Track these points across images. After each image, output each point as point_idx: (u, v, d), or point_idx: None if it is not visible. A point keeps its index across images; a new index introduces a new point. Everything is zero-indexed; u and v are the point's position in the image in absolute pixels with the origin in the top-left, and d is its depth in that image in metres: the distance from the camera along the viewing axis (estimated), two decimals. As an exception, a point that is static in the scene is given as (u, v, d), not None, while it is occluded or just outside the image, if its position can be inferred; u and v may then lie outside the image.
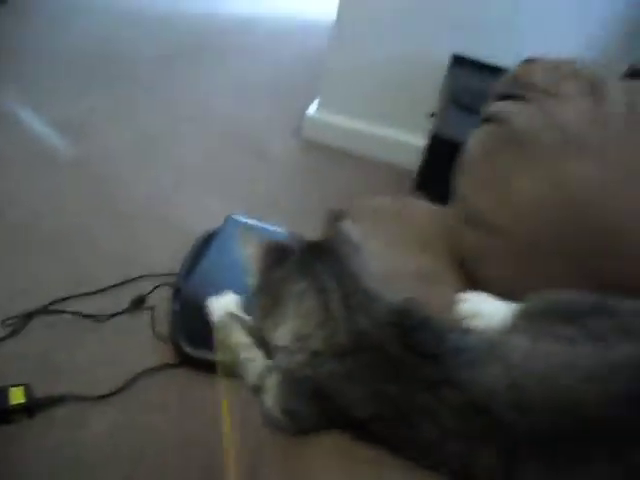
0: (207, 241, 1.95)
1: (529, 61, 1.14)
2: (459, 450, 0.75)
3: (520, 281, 0.95)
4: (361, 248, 0.87)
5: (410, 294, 0.82)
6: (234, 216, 2.01)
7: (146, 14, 3.57)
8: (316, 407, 0.82)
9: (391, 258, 1.04)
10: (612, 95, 1.02)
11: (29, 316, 1.72)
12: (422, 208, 1.20)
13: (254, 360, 0.91)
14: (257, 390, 0.88)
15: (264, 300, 0.90)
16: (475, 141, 1.06)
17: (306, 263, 0.86)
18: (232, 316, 1.01)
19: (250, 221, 2.01)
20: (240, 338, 0.96)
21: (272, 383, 0.85)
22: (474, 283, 0.99)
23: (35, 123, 2.48)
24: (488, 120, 1.06)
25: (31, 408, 1.51)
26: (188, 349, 1.69)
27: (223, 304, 1.05)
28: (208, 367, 1.66)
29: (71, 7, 3.49)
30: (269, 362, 0.89)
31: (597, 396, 0.73)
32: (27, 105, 2.56)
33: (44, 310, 1.74)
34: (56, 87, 2.74)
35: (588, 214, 0.93)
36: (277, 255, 0.89)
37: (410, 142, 2.44)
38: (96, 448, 1.49)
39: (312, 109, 2.67)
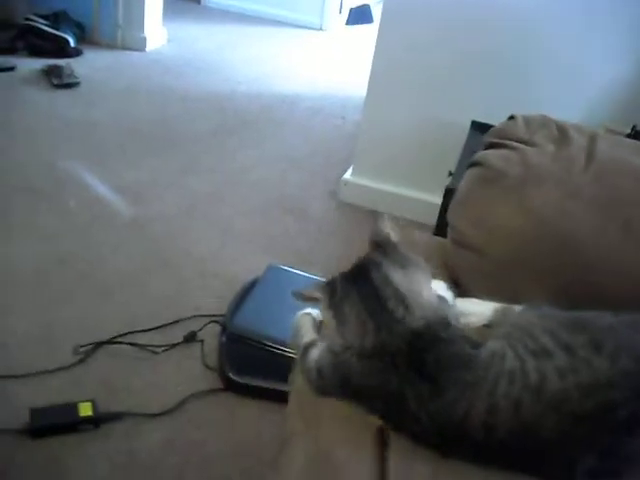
0: (251, 286, 2.21)
1: (511, 117, 1.40)
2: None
3: (494, 294, 1.17)
4: (388, 274, 1.04)
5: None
6: (274, 264, 2.28)
7: (198, 94, 3.97)
8: (338, 380, 1.05)
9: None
10: (574, 140, 1.27)
11: (96, 346, 1.98)
12: (427, 237, 1.45)
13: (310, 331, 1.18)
14: (308, 347, 1.12)
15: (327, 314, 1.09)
16: (463, 181, 1.32)
17: (347, 290, 1.05)
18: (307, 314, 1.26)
19: (289, 269, 2.27)
20: (307, 323, 1.22)
21: (319, 348, 1.10)
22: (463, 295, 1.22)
23: (100, 187, 2.81)
24: (473, 165, 1.31)
25: (96, 420, 1.75)
26: (233, 376, 1.92)
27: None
28: (250, 392, 1.91)
29: (133, 88, 3.91)
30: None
31: (559, 423, 0.89)
32: (93, 172, 2.90)
33: (109, 342, 2.01)
34: (118, 157, 3.09)
35: (549, 233, 1.17)
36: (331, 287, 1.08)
37: (435, 201, 2.69)
38: (149, 457, 1.72)
39: (347, 174, 2.96)
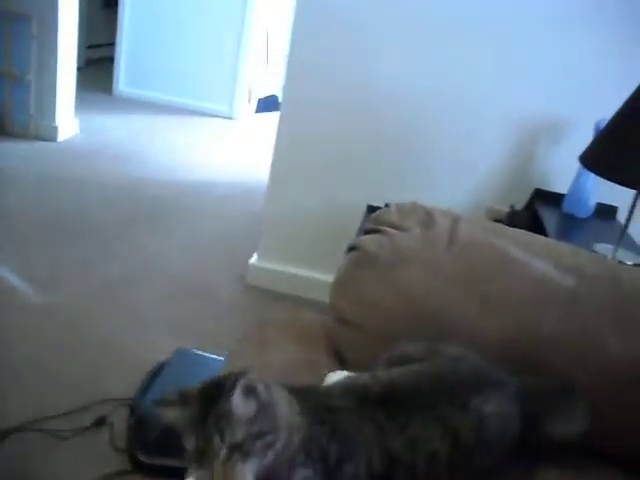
0: (159, 369, 2.28)
1: (387, 205, 1.57)
2: None
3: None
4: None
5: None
6: (182, 348, 2.37)
7: (111, 183, 4.08)
8: None
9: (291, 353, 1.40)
10: (439, 223, 1.45)
11: (4, 434, 2.01)
12: (310, 316, 1.59)
13: None
14: None
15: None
16: (342, 264, 1.48)
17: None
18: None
19: (196, 351, 2.36)
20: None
21: None
22: (344, 365, 1.36)
23: (9, 275, 2.85)
24: (352, 249, 1.48)
25: (4, 509, 1.77)
26: (142, 457, 1.97)
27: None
28: (159, 472, 1.96)
29: (46, 177, 3.99)
30: None
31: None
32: (4, 260, 2.94)
33: (18, 428, 2.03)
34: (30, 245, 3.15)
35: (416, 309, 1.32)
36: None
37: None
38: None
39: (253, 259, 3.10)
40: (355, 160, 2.88)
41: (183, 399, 1.02)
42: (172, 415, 1.03)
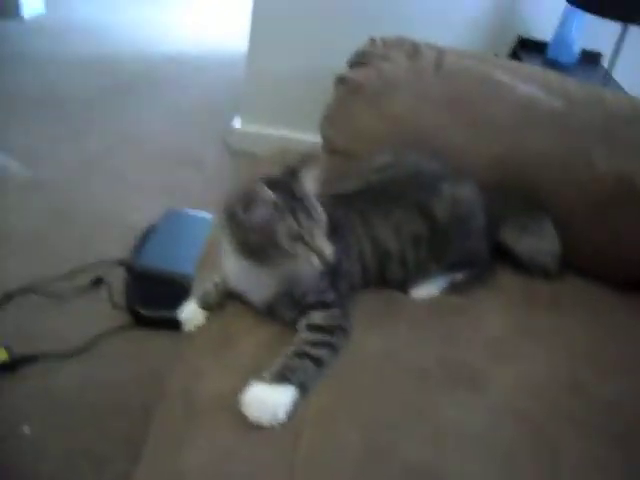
0: (151, 229, 2.31)
1: (371, 39, 1.55)
2: None
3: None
4: None
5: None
6: (171, 208, 2.39)
7: (84, 60, 3.95)
8: None
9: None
10: (425, 54, 1.44)
11: (5, 297, 2.05)
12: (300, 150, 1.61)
13: None
14: None
15: None
16: (332, 98, 1.47)
17: None
18: None
19: (185, 210, 2.39)
20: None
21: None
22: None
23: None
24: (339, 83, 1.47)
25: (13, 365, 1.83)
26: (141, 310, 2.03)
27: None
28: (158, 323, 2.02)
29: (16, 57, 3.87)
30: None
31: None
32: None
33: (19, 292, 2.07)
34: (8, 123, 3.08)
35: (404, 131, 1.34)
36: None
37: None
38: (66, 395, 1.81)
39: (236, 122, 3.07)
40: (336, 15, 2.80)
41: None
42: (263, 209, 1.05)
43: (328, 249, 1.04)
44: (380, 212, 1.19)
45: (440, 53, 1.46)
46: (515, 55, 2.76)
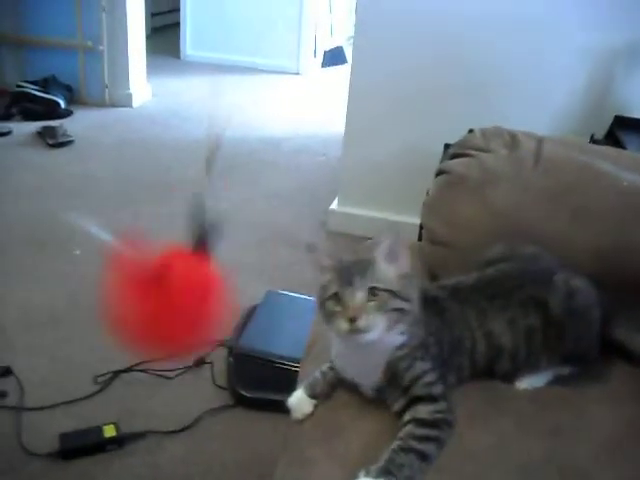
0: (252, 310, 2.38)
1: (471, 131, 1.60)
2: None
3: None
4: None
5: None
6: (272, 290, 2.46)
7: (187, 143, 4.18)
8: None
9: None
10: (524, 144, 1.47)
11: (114, 375, 2.14)
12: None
13: None
14: None
15: None
16: (432, 188, 1.52)
17: None
18: None
19: (286, 293, 2.45)
20: None
21: None
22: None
23: (103, 234, 2.97)
24: (440, 173, 1.51)
25: (120, 440, 1.90)
26: (243, 391, 2.08)
27: None
28: (260, 405, 2.06)
29: (125, 141, 4.14)
30: None
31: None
32: (95, 221, 3.06)
33: (124, 370, 2.17)
34: (118, 206, 3.28)
35: (505, 224, 1.36)
36: None
37: (417, 222, 2.88)
38: (171, 469, 1.87)
39: (334, 205, 3.16)
40: (430, 99, 2.88)
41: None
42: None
43: (368, 322, 1.04)
44: (495, 307, 1.20)
45: (539, 142, 1.49)
46: (612, 134, 2.74)
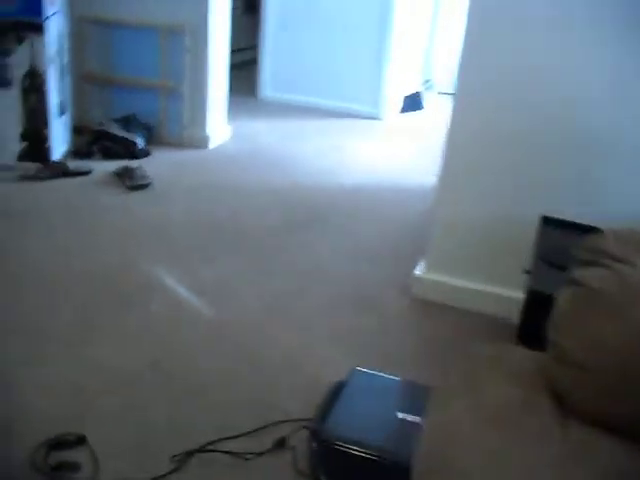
0: (338, 389, 2.24)
1: (603, 232, 1.45)
2: None
3: (613, 411, 1.21)
4: None
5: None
6: (359, 369, 2.33)
7: (265, 189, 4.13)
8: None
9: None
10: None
11: (189, 454, 2.04)
12: (521, 352, 1.49)
13: None
14: None
15: None
16: (562, 300, 1.37)
17: None
18: None
19: (374, 372, 2.32)
20: None
21: None
22: (567, 412, 1.26)
23: (179, 289, 2.92)
24: (571, 283, 1.36)
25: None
26: (328, 482, 1.95)
27: None
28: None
29: (202, 185, 4.11)
30: None
31: None
32: (172, 273, 3.03)
33: (201, 450, 2.06)
34: (195, 256, 3.22)
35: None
36: None
37: (508, 295, 2.72)
38: None
39: (419, 269, 3.02)
40: (530, 166, 2.72)
41: None
42: None
43: None
44: None
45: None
46: None
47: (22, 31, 3.86)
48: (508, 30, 2.61)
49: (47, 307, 2.72)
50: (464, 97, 2.77)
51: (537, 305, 1.98)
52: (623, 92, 2.56)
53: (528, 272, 2.30)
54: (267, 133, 5.22)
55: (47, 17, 3.90)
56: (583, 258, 1.41)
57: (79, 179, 4.02)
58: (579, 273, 1.37)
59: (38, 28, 3.86)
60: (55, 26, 4.05)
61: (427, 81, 7.13)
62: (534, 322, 1.90)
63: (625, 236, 1.42)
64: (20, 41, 3.88)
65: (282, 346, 2.61)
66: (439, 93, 6.84)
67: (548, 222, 2.56)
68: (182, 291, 2.91)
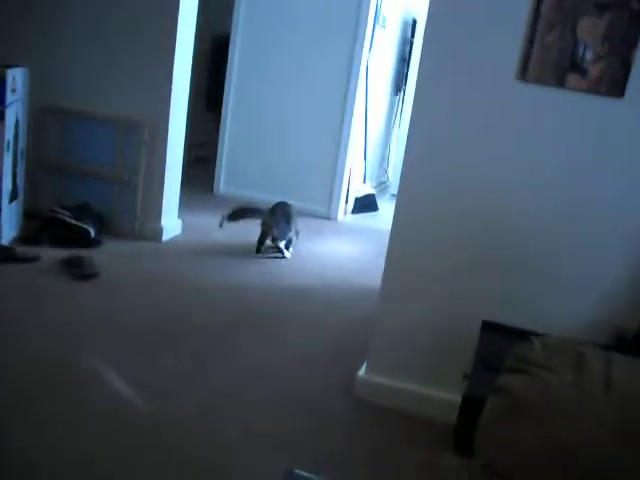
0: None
1: (530, 340, 1.48)
2: None
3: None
4: None
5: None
6: (295, 471, 2.28)
7: (212, 285, 4.12)
8: None
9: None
10: (591, 365, 1.34)
11: None
12: (453, 459, 1.49)
13: None
14: None
15: None
16: (488, 407, 1.38)
17: None
18: None
19: (308, 474, 2.27)
20: None
21: None
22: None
23: (118, 383, 2.85)
24: (497, 390, 1.38)
25: None
26: None
27: None
28: None
29: (150, 278, 4.08)
30: None
31: None
32: (114, 366, 2.96)
33: None
34: (137, 351, 3.17)
35: (576, 464, 1.21)
36: None
37: (449, 399, 2.72)
38: None
39: (362, 371, 3.02)
40: (470, 273, 2.80)
41: None
42: None
43: None
44: None
45: (607, 364, 1.36)
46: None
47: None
48: (444, 143, 2.74)
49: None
50: (405, 204, 2.86)
51: (472, 410, 1.99)
52: (566, 202, 2.67)
53: (466, 376, 2.32)
54: (219, 229, 5.25)
55: (6, 105, 3.95)
56: (511, 365, 1.43)
57: (25, 265, 3.96)
58: (505, 380, 1.39)
59: (-4, 116, 3.91)
60: (13, 113, 4.10)
61: (382, 183, 7.33)
62: (469, 427, 1.92)
63: (553, 345, 1.45)
64: (-24, 127, 3.91)
65: (218, 448, 2.53)
66: (392, 195, 7.03)
67: (488, 327, 2.60)
68: (120, 385, 2.84)
